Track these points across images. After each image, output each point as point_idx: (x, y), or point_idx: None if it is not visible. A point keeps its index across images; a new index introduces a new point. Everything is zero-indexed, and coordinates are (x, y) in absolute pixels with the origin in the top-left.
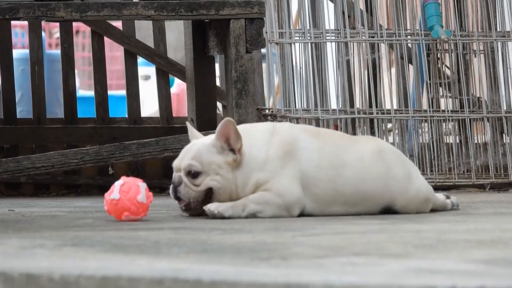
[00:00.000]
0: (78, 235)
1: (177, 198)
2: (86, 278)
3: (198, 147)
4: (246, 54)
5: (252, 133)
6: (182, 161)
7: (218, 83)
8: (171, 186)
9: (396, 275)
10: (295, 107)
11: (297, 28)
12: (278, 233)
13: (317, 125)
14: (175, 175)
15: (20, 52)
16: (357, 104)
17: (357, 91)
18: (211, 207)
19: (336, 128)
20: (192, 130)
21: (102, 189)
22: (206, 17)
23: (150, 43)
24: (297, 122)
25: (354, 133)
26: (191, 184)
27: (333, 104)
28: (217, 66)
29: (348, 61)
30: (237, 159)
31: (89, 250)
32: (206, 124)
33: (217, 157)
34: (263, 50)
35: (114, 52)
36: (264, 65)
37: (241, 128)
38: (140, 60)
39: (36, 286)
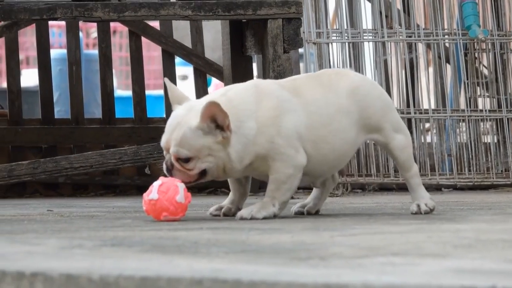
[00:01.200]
0: (117, 236)
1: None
2: (125, 278)
3: (184, 131)
4: (284, 54)
5: (237, 105)
6: (169, 143)
7: None
8: (164, 165)
9: (435, 275)
10: None
11: (335, 28)
12: (317, 233)
13: None
14: (166, 157)
15: (57, 52)
16: (395, 103)
17: (394, 91)
18: (243, 214)
19: None
20: (173, 90)
21: (140, 189)
22: (244, 17)
23: (187, 43)
24: None
25: None
26: (184, 169)
27: None
28: (254, 66)
29: (385, 61)
30: (227, 136)
31: (128, 251)
32: None
33: (205, 140)
34: (300, 50)
35: (152, 52)
36: (301, 65)
37: (224, 97)
38: (177, 60)
39: (75, 286)
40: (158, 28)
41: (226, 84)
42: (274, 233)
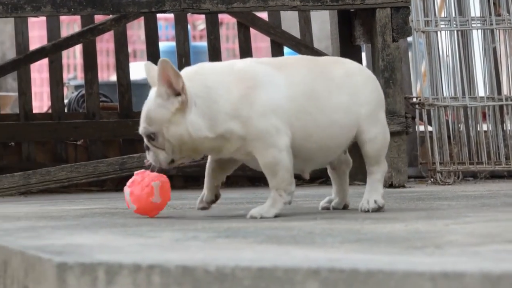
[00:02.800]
0: (231, 227)
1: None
2: (242, 269)
3: (148, 106)
4: (393, 43)
5: (205, 73)
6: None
7: None
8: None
9: None
10: (443, 95)
11: (443, 16)
12: (431, 221)
13: (465, 113)
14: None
15: (165, 45)
16: (505, 91)
17: (504, 78)
18: (253, 213)
19: (483, 115)
20: (151, 71)
21: (251, 180)
22: (352, 7)
23: (294, 33)
24: (445, 111)
25: (502, 120)
26: (156, 148)
27: (481, 92)
28: (363, 55)
29: (494, 49)
30: (184, 100)
31: (243, 242)
32: None
33: (164, 108)
34: (409, 39)
35: (258, 43)
36: (410, 54)
37: (194, 69)
38: (286, 50)
39: (192, 278)
40: (266, 19)
41: None
42: (388, 222)
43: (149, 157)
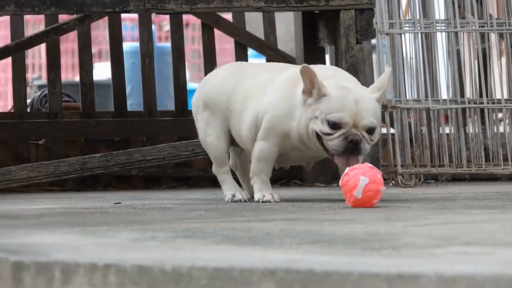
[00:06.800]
0: (190, 227)
1: (352, 152)
2: (198, 269)
3: (373, 103)
4: (357, 45)
5: None
6: (359, 116)
7: None
8: (342, 143)
9: (509, 264)
10: (406, 97)
11: (407, 18)
12: (390, 223)
13: (428, 116)
14: (352, 132)
15: (130, 46)
16: (468, 94)
17: (467, 81)
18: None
19: (446, 118)
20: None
21: (213, 181)
22: (316, 8)
23: (259, 35)
24: (408, 113)
25: (464, 124)
26: (370, 140)
27: (444, 94)
28: (327, 57)
29: (458, 51)
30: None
31: (200, 242)
32: None
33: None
34: (373, 41)
35: (224, 45)
36: (374, 56)
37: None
38: (250, 52)
39: (148, 277)
40: (231, 20)
41: None
42: (347, 224)
43: (363, 146)
